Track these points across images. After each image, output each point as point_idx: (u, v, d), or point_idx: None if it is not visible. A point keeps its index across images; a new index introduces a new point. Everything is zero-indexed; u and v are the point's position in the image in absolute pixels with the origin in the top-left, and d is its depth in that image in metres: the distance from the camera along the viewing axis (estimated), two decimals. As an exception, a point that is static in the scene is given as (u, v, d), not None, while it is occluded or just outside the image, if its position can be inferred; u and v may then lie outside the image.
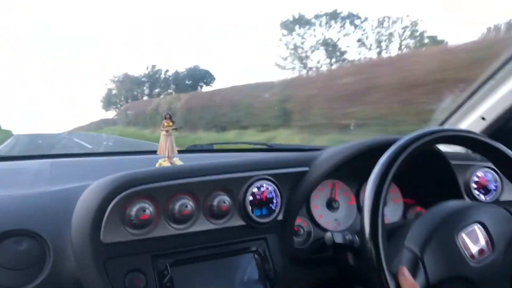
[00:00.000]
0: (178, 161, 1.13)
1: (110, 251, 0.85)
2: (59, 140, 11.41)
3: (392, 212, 1.18)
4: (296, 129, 8.01)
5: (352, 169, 1.11)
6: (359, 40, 18.40)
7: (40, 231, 0.90)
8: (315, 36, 18.40)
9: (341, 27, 18.47)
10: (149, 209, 0.86)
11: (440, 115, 1.58)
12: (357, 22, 18.53)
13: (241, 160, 1.03)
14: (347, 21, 18.54)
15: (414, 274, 0.72)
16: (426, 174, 1.16)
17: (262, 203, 0.99)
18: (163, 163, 1.11)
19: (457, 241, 0.77)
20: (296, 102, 8.83)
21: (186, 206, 0.90)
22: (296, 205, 1.02)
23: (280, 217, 1.01)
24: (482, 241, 0.79)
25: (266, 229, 1.00)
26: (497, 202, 1.24)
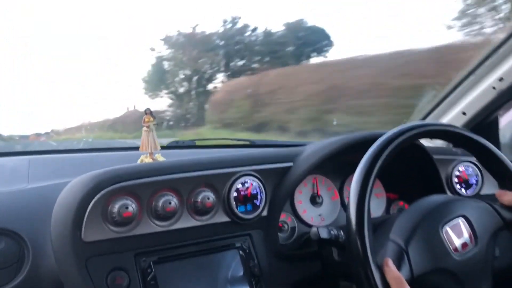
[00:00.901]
0: (160, 157, 1.11)
1: (91, 249, 0.83)
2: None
3: (375, 207, 1.19)
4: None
5: (336, 164, 1.12)
6: None
7: (18, 229, 0.88)
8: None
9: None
10: (132, 206, 0.85)
11: (422, 110, 1.60)
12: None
13: (225, 156, 1.02)
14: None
15: (398, 266, 0.73)
16: (408, 168, 1.17)
17: (247, 199, 0.98)
18: (145, 159, 1.09)
19: (441, 234, 0.78)
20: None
21: (170, 203, 0.89)
22: (280, 201, 1.02)
23: (264, 213, 1.01)
24: (466, 234, 0.80)
25: (251, 225, 0.99)
26: (477, 196, 1.27)
